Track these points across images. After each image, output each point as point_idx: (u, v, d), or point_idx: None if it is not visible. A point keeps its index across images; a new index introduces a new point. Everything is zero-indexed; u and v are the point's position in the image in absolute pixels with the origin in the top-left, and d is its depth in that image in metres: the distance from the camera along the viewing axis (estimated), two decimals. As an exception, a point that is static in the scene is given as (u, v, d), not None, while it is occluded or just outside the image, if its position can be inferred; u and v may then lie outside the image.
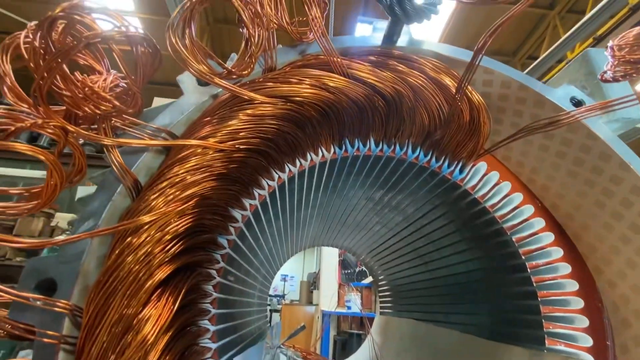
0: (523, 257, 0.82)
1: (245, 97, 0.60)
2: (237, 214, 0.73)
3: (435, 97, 0.73)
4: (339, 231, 1.65)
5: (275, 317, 6.09)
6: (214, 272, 0.67)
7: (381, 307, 1.94)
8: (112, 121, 0.55)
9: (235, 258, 0.78)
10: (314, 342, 4.51)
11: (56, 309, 0.47)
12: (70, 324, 0.47)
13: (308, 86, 0.63)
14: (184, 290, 0.55)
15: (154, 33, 0.50)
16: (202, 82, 0.64)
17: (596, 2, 4.34)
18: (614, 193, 0.75)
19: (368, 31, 0.77)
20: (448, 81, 0.72)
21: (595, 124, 0.73)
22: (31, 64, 0.48)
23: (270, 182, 0.76)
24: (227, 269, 0.73)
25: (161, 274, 0.52)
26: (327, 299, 4.84)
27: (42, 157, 0.43)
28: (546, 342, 0.79)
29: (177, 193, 0.56)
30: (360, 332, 4.60)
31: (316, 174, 0.89)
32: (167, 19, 0.54)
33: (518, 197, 0.85)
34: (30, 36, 0.48)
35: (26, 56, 0.48)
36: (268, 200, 0.81)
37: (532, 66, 5.31)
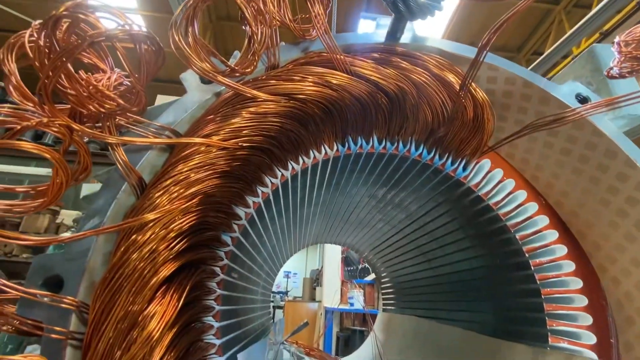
0: (527, 255, 0.82)
1: (248, 95, 0.60)
2: (240, 211, 0.73)
3: (439, 94, 0.72)
4: (341, 228, 1.65)
5: (279, 313, 6.13)
6: (217, 269, 0.68)
7: (384, 304, 1.94)
8: (116, 119, 0.56)
9: (239, 255, 0.78)
10: (317, 338, 4.53)
11: (63, 305, 0.47)
12: (77, 320, 0.48)
13: (311, 84, 0.63)
14: (188, 287, 0.55)
15: (157, 31, 0.50)
16: (205, 80, 0.64)
17: (603, -3, 4.27)
18: (620, 190, 0.74)
19: (371, 28, 0.76)
20: (452, 78, 0.72)
21: (601, 121, 0.72)
22: (36, 63, 0.48)
23: (274, 180, 0.76)
24: (231, 266, 0.73)
25: (166, 271, 0.53)
26: (330, 295, 4.85)
27: (47, 156, 0.43)
28: (549, 339, 0.79)
29: (181, 191, 0.56)
30: (363, 328, 4.62)
31: (319, 171, 0.89)
32: (170, 16, 0.54)
33: (522, 194, 0.85)
34: (35, 35, 0.48)
35: (31, 55, 0.48)
36: (271, 197, 0.81)
37: (537, 62, 5.26)
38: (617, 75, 0.69)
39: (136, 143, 0.55)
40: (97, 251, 0.52)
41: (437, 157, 0.83)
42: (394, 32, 0.72)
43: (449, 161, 0.83)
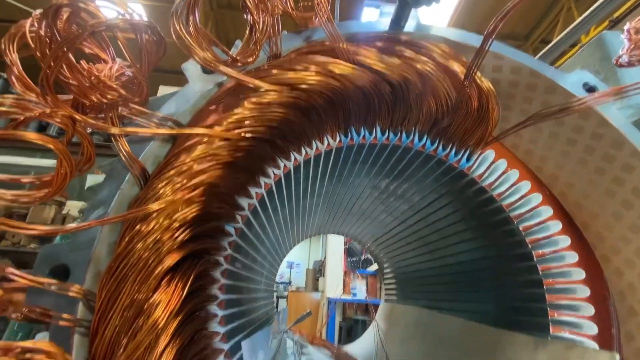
0: (530, 246, 0.82)
1: (250, 85, 0.60)
2: (243, 202, 0.73)
3: (443, 83, 0.71)
4: (344, 219, 1.66)
5: (282, 303, 6.21)
6: (221, 259, 0.68)
7: (386, 295, 1.96)
8: (119, 110, 0.56)
9: (242, 245, 0.79)
10: (320, 328, 4.60)
11: (70, 293, 0.48)
12: (84, 308, 0.49)
13: (313, 73, 0.62)
14: (192, 277, 0.56)
15: (158, 20, 0.50)
16: (207, 70, 0.63)
17: (613, -17, 4.15)
18: (625, 181, 0.73)
19: (375, 16, 0.75)
20: (456, 67, 0.71)
21: (609, 111, 0.71)
22: (37, 53, 0.48)
23: (276, 171, 0.76)
24: (235, 256, 0.74)
25: (170, 261, 0.53)
26: (333, 286, 4.90)
27: (51, 146, 0.43)
28: (551, 329, 0.79)
29: (184, 181, 0.56)
30: (365, 318, 4.67)
31: (322, 162, 0.88)
32: (170, 5, 0.53)
33: (526, 185, 0.84)
34: (36, 25, 0.48)
35: (32, 45, 0.48)
36: (274, 188, 0.81)
37: (544, 51, 5.15)
38: (626, 64, 0.68)
39: (139, 134, 0.55)
40: (102, 241, 0.53)
41: (440, 147, 0.82)
42: (398, 20, 0.71)
43: (453, 152, 0.82)
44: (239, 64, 0.59)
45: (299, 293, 6.21)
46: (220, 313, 0.65)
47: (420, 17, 0.74)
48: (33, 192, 0.46)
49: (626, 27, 0.70)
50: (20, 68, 0.52)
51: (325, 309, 4.82)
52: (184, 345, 0.53)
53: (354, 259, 5.27)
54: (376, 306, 2.12)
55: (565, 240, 0.80)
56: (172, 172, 0.57)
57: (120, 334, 0.48)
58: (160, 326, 0.49)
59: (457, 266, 1.18)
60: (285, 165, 0.77)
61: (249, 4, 0.56)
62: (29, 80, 0.53)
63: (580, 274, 0.79)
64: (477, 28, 0.75)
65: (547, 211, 0.82)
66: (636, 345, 0.78)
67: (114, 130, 0.51)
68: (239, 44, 0.63)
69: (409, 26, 0.73)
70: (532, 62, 0.74)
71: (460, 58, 0.72)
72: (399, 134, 0.80)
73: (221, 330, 0.64)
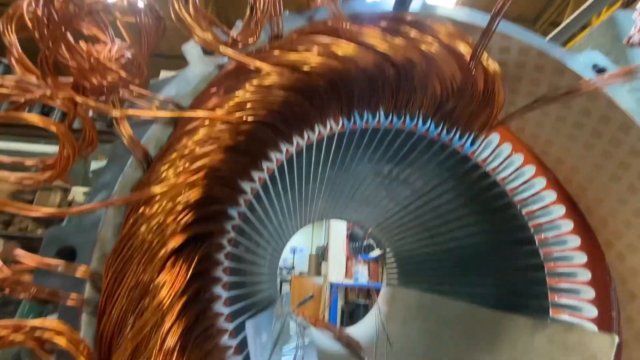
0: (532, 230, 0.82)
1: (252, 66, 0.59)
2: (246, 186, 0.73)
3: (449, 65, 0.70)
4: (347, 205, 1.66)
5: (285, 287, 6.32)
6: (225, 242, 0.69)
7: (388, 279, 1.99)
8: (120, 93, 0.55)
9: (246, 229, 0.80)
10: (322, 311, 4.69)
11: (77, 274, 0.49)
12: (91, 289, 0.50)
13: (316, 54, 0.61)
14: (196, 259, 0.57)
15: (157, 1, 0.48)
16: (207, 52, 0.62)
17: (628, -39, 3.98)
18: (631, 166, 0.73)
19: (379, -5, 0.73)
20: (462, 48, 0.69)
21: (618, 93, 0.69)
22: (35, 34, 0.47)
23: (278, 156, 0.76)
24: (238, 240, 0.74)
25: (174, 243, 0.54)
26: (335, 271, 4.97)
27: (53, 128, 0.43)
28: (550, 312, 0.80)
29: (187, 165, 0.56)
30: (367, 302, 4.76)
31: (324, 147, 0.88)
32: (169, -16, 0.52)
33: (530, 169, 0.83)
34: (33, 4, 0.47)
35: (30, 25, 0.47)
36: (277, 173, 0.81)
37: (553, 33, 5.01)
38: (638, 44, 0.66)
39: (140, 116, 0.55)
40: (107, 223, 0.53)
41: (444, 131, 0.81)
42: (403, -1, 0.69)
43: (457, 136, 0.81)
44: (240, 45, 0.58)
45: (301, 278, 6.32)
46: (225, 294, 0.66)
47: (425, -4, 0.72)
48: (37, 174, 0.46)
49: (639, 6, 0.68)
50: (20, 50, 0.52)
51: (327, 293, 4.91)
52: (189, 324, 0.55)
53: (356, 245, 5.32)
54: (378, 290, 2.16)
55: (568, 225, 0.80)
56: (174, 155, 0.57)
57: (127, 313, 0.49)
58: (165, 306, 0.50)
59: (458, 250, 1.19)
60: (287, 150, 0.76)
61: (249, -18, 0.54)
62: (29, 63, 0.53)
63: (582, 258, 0.79)
64: (484, 9, 0.73)
65: (551, 195, 0.82)
66: (636, 329, 0.79)
67: (116, 113, 0.51)
68: (239, 24, 0.61)
69: (414, 6, 0.71)
70: (540, 43, 0.72)
71: (467, 39, 0.70)
72: (402, 118, 0.79)
73: (225, 311, 0.66)
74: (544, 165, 0.86)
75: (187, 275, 0.54)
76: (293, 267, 7.93)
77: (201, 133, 0.58)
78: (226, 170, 0.65)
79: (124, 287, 0.50)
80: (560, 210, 0.81)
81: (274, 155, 0.75)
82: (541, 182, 0.83)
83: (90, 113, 0.55)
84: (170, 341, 0.51)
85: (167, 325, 0.50)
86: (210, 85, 0.62)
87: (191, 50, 0.63)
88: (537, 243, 0.82)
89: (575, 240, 0.80)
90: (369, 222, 1.88)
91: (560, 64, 0.72)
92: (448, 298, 1.25)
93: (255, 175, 0.74)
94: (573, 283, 0.79)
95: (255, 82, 0.60)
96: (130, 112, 0.53)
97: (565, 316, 0.79)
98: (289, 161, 0.82)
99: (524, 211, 0.83)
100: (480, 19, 0.71)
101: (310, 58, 0.61)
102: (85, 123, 0.50)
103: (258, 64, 0.59)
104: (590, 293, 0.78)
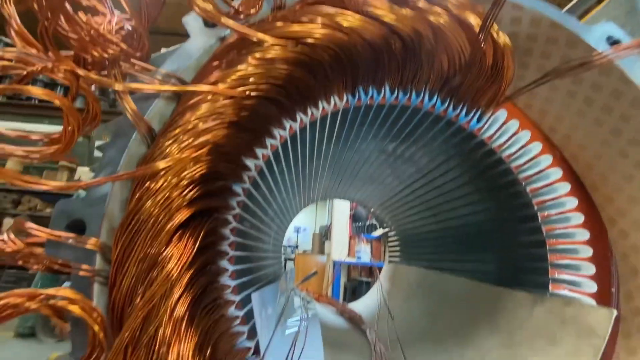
0: (535, 207, 0.82)
1: (254, 38, 0.57)
2: (250, 163, 0.73)
3: (457, 38, 0.68)
4: (350, 184, 1.66)
5: (289, 265, 6.46)
6: (230, 218, 0.70)
7: (390, 256, 2.02)
8: (122, 67, 0.54)
9: (250, 206, 0.80)
10: (326, 287, 4.82)
11: (87, 246, 0.50)
12: (101, 260, 0.52)
13: (320, 26, 0.59)
14: (202, 233, 0.58)
15: (155, -34, 0.47)
16: (209, 24, 0.61)
17: None
18: (640, 142, 0.71)
19: (386, -37, 0.70)
20: (472, 20, 0.67)
21: (632, 67, 0.67)
22: (34, 4, 0.46)
23: (282, 132, 0.76)
24: (243, 216, 0.75)
25: (180, 217, 0.55)
26: (338, 249, 5.06)
27: (57, 102, 0.43)
28: (550, 287, 0.82)
29: (190, 140, 0.57)
30: (369, 279, 4.86)
31: (328, 124, 0.87)
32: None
33: (536, 147, 0.82)
34: (29, -27, 0.46)
35: (27, -5, 0.46)
36: (280, 150, 0.81)
37: (568, 6, 4.80)
38: (657, 14, 0.63)
39: (143, 91, 0.54)
40: (114, 198, 0.54)
41: (450, 108, 0.80)
42: (411, -34, 0.65)
43: (463, 112, 0.80)
44: (242, 16, 0.57)
45: (305, 256, 6.43)
46: (231, 268, 0.68)
47: (435, -36, 0.69)
48: (43, 148, 0.47)
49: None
50: (19, 22, 0.51)
51: (330, 270, 5.02)
52: (197, 295, 0.56)
53: (359, 224, 5.38)
54: (380, 268, 2.20)
55: (572, 202, 0.80)
56: (178, 130, 0.57)
57: (137, 283, 0.50)
58: (173, 277, 0.51)
59: (461, 228, 1.20)
60: (291, 127, 0.76)
61: (250, -53, 0.52)
62: (29, 35, 0.52)
63: (584, 235, 0.79)
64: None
65: (556, 173, 0.81)
66: (635, 304, 0.80)
67: (118, 87, 0.51)
68: (241, -6, 0.59)
69: (423, -26, 0.67)
70: (553, 13, 0.69)
71: (477, 9, 0.67)
72: (408, 94, 0.77)
73: (232, 283, 0.68)
74: (551, 142, 0.85)
75: (193, 248, 0.55)
76: (297, 246, 8.07)
77: (204, 108, 0.58)
78: (230, 146, 0.65)
79: (133, 259, 0.52)
80: (565, 187, 0.81)
81: (277, 132, 0.75)
82: (547, 159, 0.82)
83: (93, 88, 0.55)
84: (180, 310, 0.53)
85: (175, 295, 0.52)
86: (212, 58, 0.60)
87: (192, 22, 0.61)
88: (540, 220, 0.82)
89: (579, 218, 0.80)
90: (373, 201, 1.89)
91: (573, 36, 0.69)
92: (449, 274, 1.27)
93: (259, 152, 0.74)
94: (574, 259, 0.80)
95: (257, 55, 0.59)
96: (133, 86, 0.53)
97: (564, 291, 0.80)
98: (293, 138, 0.81)
99: (528, 188, 0.83)
100: (492, -12, 0.68)
101: (314, 30, 0.59)
102: (88, 97, 0.49)
103: (260, 36, 0.58)
104: (591, 269, 0.79)
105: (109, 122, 0.59)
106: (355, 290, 4.97)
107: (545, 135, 0.85)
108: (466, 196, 1.08)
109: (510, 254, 0.98)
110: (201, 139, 0.57)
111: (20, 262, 0.53)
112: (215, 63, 0.59)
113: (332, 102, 0.75)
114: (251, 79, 0.60)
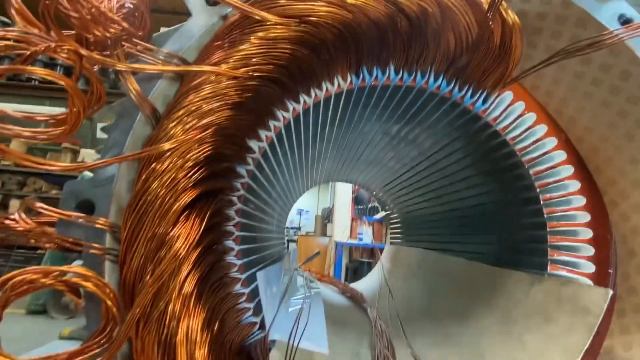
0: (537, 190, 0.83)
1: (257, 17, 0.56)
2: (254, 144, 0.74)
3: (465, 16, 0.66)
4: (353, 166, 1.67)
5: (292, 246, 6.56)
6: (235, 199, 0.71)
7: (391, 238, 2.05)
8: (124, 47, 0.54)
9: (254, 188, 0.81)
10: (328, 268, 4.91)
11: (97, 226, 0.52)
12: (111, 239, 0.53)
13: (324, 4, 0.58)
14: (208, 214, 0.59)
15: (155, -59, 0.45)
16: (210, 2, 0.60)
17: None
18: (647, 124, 0.71)
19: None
20: (480, -3, 0.65)
21: (643, 46, 0.66)
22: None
23: (286, 114, 0.75)
24: (247, 197, 0.77)
25: (186, 198, 0.56)
26: (340, 231, 5.12)
27: (61, 82, 0.43)
28: (549, 268, 0.83)
29: (194, 122, 0.57)
30: (371, 260, 4.94)
31: (332, 106, 0.86)
32: None
33: (542, 129, 0.82)
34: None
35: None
36: (283, 132, 0.81)
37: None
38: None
39: (146, 71, 0.54)
40: (121, 179, 0.55)
41: (456, 89, 0.79)
42: (419, -60, 0.63)
43: (469, 94, 0.79)
44: (244, -6, 0.55)
45: (308, 237, 6.53)
46: (236, 247, 0.69)
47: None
48: (50, 129, 0.47)
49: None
50: (19, 0, 0.50)
51: (332, 251, 5.10)
52: (204, 273, 0.58)
53: (362, 207, 5.41)
54: (382, 250, 2.23)
55: (575, 185, 0.80)
56: (182, 112, 0.57)
57: (146, 262, 0.52)
58: (181, 256, 0.53)
59: (462, 210, 1.21)
60: (294, 109, 0.75)
61: None
62: (31, 15, 0.51)
63: (585, 217, 0.80)
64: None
65: (561, 155, 0.81)
66: (630, 284, 0.82)
67: (121, 67, 0.50)
68: (243, -30, 0.58)
69: (431, -52, 0.65)
70: (565, -10, 0.67)
71: (486, -15, 0.65)
72: (413, 74, 0.76)
73: (237, 262, 0.69)
74: (556, 125, 0.84)
75: (200, 228, 0.56)
76: (299, 228, 8.16)
77: (207, 89, 0.58)
78: (233, 128, 0.65)
79: (142, 239, 0.53)
80: (569, 170, 0.81)
81: (280, 114, 0.74)
82: (552, 142, 0.81)
83: (95, 69, 0.55)
84: (188, 287, 0.55)
85: (184, 273, 0.54)
86: (214, 38, 0.60)
87: (193, 0, 0.60)
88: (542, 202, 0.83)
89: (580, 200, 0.80)
90: (375, 184, 1.90)
91: (584, 14, 0.67)
92: (449, 255, 1.29)
93: (263, 134, 0.74)
94: (573, 241, 0.81)
95: (260, 34, 0.58)
96: (136, 66, 0.52)
97: (562, 272, 0.82)
98: (296, 120, 0.81)
99: (531, 171, 0.83)
100: (502, -37, 0.66)
101: (318, 8, 0.58)
102: (92, 77, 0.49)
103: (263, 14, 0.57)
104: (590, 250, 0.80)
105: (113, 104, 0.59)
106: (357, 270, 5.06)
107: (551, 118, 0.84)
108: (469, 178, 1.08)
109: (511, 235, 0.99)
110: (205, 121, 0.58)
111: (32, 241, 0.55)
112: (218, 43, 0.58)
113: (336, 83, 0.75)
114: (254, 59, 0.59)
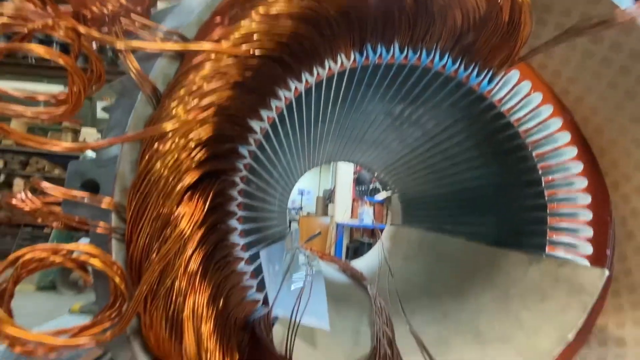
0: (540, 172, 0.82)
1: (258, -9, 0.54)
2: (256, 125, 0.73)
3: (473, -9, 0.63)
4: (355, 147, 1.66)
5: (294, 226, 6.65)
6: (237, 180, 0.71)
7: (392, 219, 2.07)
8: (122, 24, 0.52)
9: (256, 168, 0.82)
10: (329, 247, 5.00)
11: (102, 205, 0.52)
12: (116, 218, 0.54)
13: (327, -23, 0.55)
14: (212, 194, 0.59)
15: None
16: (209, -25, 0.57)
17: None
18: (656, 105, 0.70)
19: None
20: (490, -30, 0.62)
21: (656, 24, 0.63)
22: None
23: (287, 94, 0.74)
24: (249, 178, 0.77)
25: (189, 179, 0.56)
26: (341, 212, 5.17)
27: (60, 60, 0.43)
28: (547, 249, 0.84)
29: (196, 101, 0.56)
30: (371, 241, 5.02)
31: (334, 85, 0.85)
32: None
33: (547, 109, 0.80)
34: None
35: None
36: (285, 113, 0.80)
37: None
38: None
39: (145, 49, 0.53)
40: (124, 159, 0.55)
41: (462, 68, 0.77)
42: None
43: (474, 73, 0.77)
44: (245, -33, 0.53)
45: (309, 217, 6.59)
46: (240, 227, 0.71)
47: None
48: (52, 109, 0.47)
49: None
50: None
51: (333, 232, 5.17)
52: (208, 252, 0.60)
53: (363, 188, 5.43)
54: (382, 230, 2.26)
55: (578, 166, 0.80)
56: (183, 91, 0.56)
57: (152, 240, 0.53)
58: (186, 235, 0.54)
59: (464, 192, 1.21)
60: (296, 88, 0.74)
61: None
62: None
63: (586, 199, 0.80)
64: None
65: (565, 137, 0.80)
66: (627, 265, 0.83)
67: (120, 45, 0.49)
68: (243, -59, 0.55)
69: None
70: (579, -37, 0.64)
71: (496, -42, 0.62)
72: (418, 52, 0.74)
73: (241, 241, 0.71)
74: (562, 105, 0.83)
75: (204, 208, 0.57)
76: (301, 208, 8.24)
77: (208, 68, 0.57)
78: (235, 108, 0.64)
79: (147, 219, 0.54)
80: (572, 152, 0.80)
81: (282, 94, 0.73)
82: (557, 122, 0.80)
83: (94, 46, 0.54)
84: (193, 265, 0.56)
85: (189, 251, 0.55)
86: (214, 14, 0.58)
87: (192, -27, 0.58)
88: (543, 185, 0.83)
89: (582, 182, 0.80)
90: (377, 165, 1.89)
91: (597, -11, 0.65)
92: (448, 235, 1.31)
93: (264, 114, 0.74)
94: (573, 222, 0.82)
95: (261, 10, 0.56)
96: (135, 43, 0.51)
97: (560, 253, 0.83)
98: (298, 100, 0.80)
99: (534, 153, 0.82)
100: None
101: (321, -18, 0.56)
102: (91, 55, 0.48)
103: (265, -12, 0.55)
104: (589, 232, 0.81)
105: (113, 83, 0.58)
106: (357, 250, 5.15)
107: (557, 98, 0.83)
108: (471, 160, 1.08)
109: (511, 217, 1.00)
110: (206, 100, 0.57)
111: (39, 220, 0.56)
112: (218, 19, 0.57)
113: (339, 61, 0.73)
114: (255, 36, 0.58)
